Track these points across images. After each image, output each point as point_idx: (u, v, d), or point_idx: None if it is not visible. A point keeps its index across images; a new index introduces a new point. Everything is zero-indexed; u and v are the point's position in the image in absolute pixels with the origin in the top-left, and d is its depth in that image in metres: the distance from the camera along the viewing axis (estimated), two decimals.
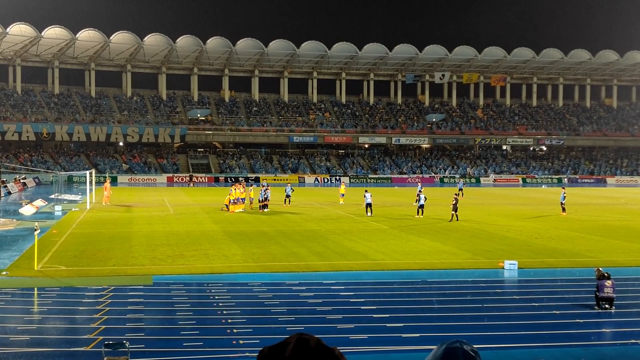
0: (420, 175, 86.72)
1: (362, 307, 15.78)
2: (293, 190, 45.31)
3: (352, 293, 17.52)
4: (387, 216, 36.27)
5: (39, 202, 41.94)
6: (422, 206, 36.53)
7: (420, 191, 38.25)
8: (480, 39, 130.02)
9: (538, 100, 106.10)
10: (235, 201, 39.42)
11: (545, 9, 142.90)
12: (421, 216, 36.10)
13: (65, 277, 19.04)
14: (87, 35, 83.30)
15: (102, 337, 12.83)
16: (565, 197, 39.47)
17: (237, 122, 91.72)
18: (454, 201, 34.96)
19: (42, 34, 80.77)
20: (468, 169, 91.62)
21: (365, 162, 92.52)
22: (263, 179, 69.97)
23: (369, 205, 36.60)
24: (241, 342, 13.02)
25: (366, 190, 38.01)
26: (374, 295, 17.44)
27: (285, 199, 43.36)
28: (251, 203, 41.28)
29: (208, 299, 16.80)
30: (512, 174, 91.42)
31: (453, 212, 34.66)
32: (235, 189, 40.19)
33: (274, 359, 2.15)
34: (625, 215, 39.80)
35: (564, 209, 39.06)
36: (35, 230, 20.44)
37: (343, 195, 45.88)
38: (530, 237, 28.55)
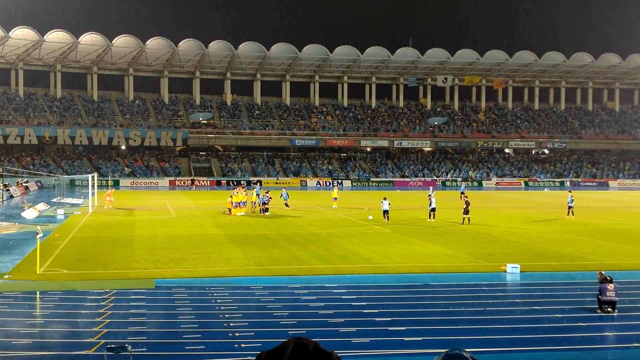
0: (423, 179, 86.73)
1: (364, 311, 15.77)
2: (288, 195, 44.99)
3: (354, 297, 17.49)
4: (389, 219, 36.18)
5: (41, 206, 42.00)
6: (433, 209, 36.45)
7: (430, 195, 38.35)
8: (482, 42, 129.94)
9: (540, 103, 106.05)
10: (238, 205, 39.47)
11: (546, 12, 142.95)
12: (433, 220, 36.01)
13: (67, 280, 19.05)
14: (89, 39, 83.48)
15: (104, 341, 12.83)
16: (573, 200, 39.48)
17: (239, 125, 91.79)
18: (465, 204, 34.98)
19: (45, 37, 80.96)
20: (470, 172, 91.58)
21: (367, 166, 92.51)
22: (264, 183, 69.93)
23: (385, 212, 35.50)
24: (243, 345, 13.01)
25: (384, 198, 36.22)
26: (376, 298, 17.41)
27: (285, 204, 43.33)
28: (253, 206, 41.37)
29: (210, 302, 16.79)
30: (515, 177, 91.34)
31: (465, 215, 34.63)
32: (237, 193, 40.28)
33: None
34: (628, 219, 39.74)
35: (572, 213, 39.03)
36: (38, 233, 20.47)
37: (336, 199, 45.85)
38: (532, 241, 28.51)
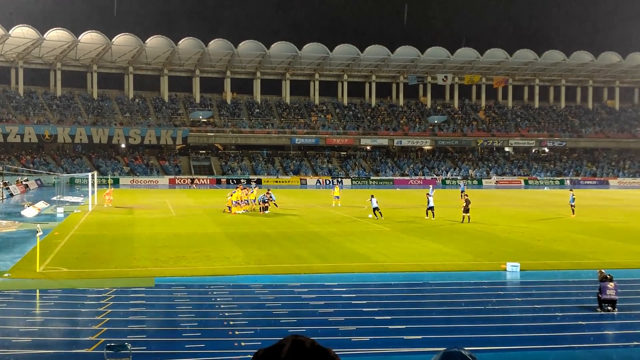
0: (423, 178, 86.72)
1: (364, 309, 15.77)
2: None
3: (354, 295, 17.49)
4: (389, 218, 36.24)
5: (41, 204, 41.98)
6: (431, 208, 36.54)
7: (428, 194, 38.40)
8: (482, 41, 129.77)
9: (540, 101, 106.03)
10: (237, 203, 39.48)
11: (546, 11, 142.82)
12: (432, 218, 36.05)
13: (67, 279, 19.04)
14: (89, 38, 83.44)
15: (104, 339, 12.82)
16: (574, 199, 39.47)
17: (239, 123, 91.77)
18: (465, 203, 34.97)
19: (45, 36, 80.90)
20: (470, 171, 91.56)
21: (367, 164, 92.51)
22: (264, 181, 69.83)
23: (375, 209, 36.09)
24: (243, 344, 13.01)
25: (372, 195, 37.19)
26: (376, 297, 17.41)
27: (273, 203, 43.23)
28: (253, 204, 41.36)
29: (210, 300, 16.79)
30: (514, 175, 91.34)
31: (465, 214, 34.63)
32: (237, 191, 40.30)
33: None
34: (628, 217, 39.76)
35: (572, 211, 39.04)
36: (37, 232, 20.45)
37: (338, 197, 45.84)
38: (532, 239, 28.50)
